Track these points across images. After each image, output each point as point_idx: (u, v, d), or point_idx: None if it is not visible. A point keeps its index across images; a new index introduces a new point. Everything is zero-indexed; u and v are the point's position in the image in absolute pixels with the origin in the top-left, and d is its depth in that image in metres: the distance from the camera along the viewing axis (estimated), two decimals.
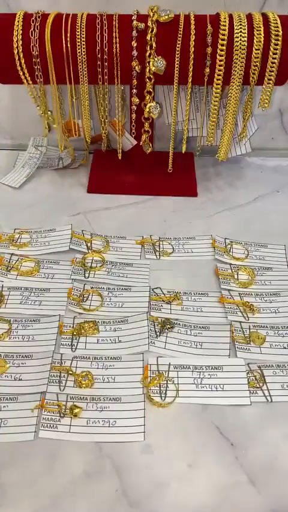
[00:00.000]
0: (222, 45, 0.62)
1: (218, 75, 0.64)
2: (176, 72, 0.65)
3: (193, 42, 0.62)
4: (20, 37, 0.63)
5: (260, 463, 0.47)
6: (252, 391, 0.52)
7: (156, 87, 0.73)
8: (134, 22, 0.63)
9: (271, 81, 0.65)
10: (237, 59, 0.63)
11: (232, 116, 0.69)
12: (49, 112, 0.72)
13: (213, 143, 0.73)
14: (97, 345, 0.56)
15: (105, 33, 0.63)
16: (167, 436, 0.48)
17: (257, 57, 0.63)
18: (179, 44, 0.63)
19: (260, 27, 0.62)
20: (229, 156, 0.78)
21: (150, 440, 0.48)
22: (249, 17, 0.64)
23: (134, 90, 0.67)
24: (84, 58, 0.64)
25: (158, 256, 0.68)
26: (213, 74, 0.65)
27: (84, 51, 0.63)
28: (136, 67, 0.64)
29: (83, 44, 0.63)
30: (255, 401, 0.51)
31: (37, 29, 0.63)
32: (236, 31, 0.62)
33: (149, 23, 0.62)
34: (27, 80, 0.66)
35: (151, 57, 0.64)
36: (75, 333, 0.57)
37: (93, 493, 0.44)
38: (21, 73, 0.65)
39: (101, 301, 0.61)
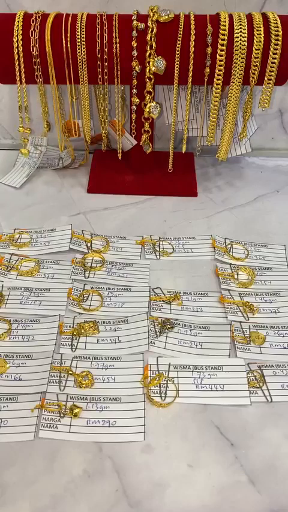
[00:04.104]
0: (222, 45, 0.62)
1: (218, 75, 0.64)
2: (176, 72, 0.65)
3: (193, 42, 0.63)
4: (20, 37, 0.63)
5: (260, 463, 0.47)
6: (252, 391, 0.52)
7: (156, 87, 0.73)
8: (134, 22, 0.63)
9: (271, 81, 0.65)
10: (237, 59, 0.63)
11: (232, 116, 0.69)
12: (28, 131, 0.72)
13: (213, 143, 0.73)
14: (97, 345, 0.56)
15: (105, 33, 0.63)
16: (167, 436, 0.48)
17: (257, 57, 0.63)
18: (179, 44, 0.63)
19: (260, 27, 0.62)
20: (229, 156, 0.78)
21: (150, 440, 0.48)
22: (249, 17, 0.64)
23: (134, 90, 0.67)
24: (84, 58, 0.64)
25: (158, 256, 0.68)
26: (213, 74, 0.65)
27: (84, 51, 0.63)
28: (136, 67, 0.64)
29: (83, 44, 0.63)
30: (255, 401, 0.51)
31: (37, 29, 0.63)
32: (236, 31, 0.62)
33: (149, 23, 0.62)
34: (21, 82, 0.66)
35: (151, 57, 0.64)
36: (75, 333, 0.57)
37: (93, 493, 0.44)
38: (17, 74, 0.65)
39: (101, 301, 0.61)
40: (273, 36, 0.62)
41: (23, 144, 0.75)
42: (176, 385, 0.52)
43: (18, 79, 0.66)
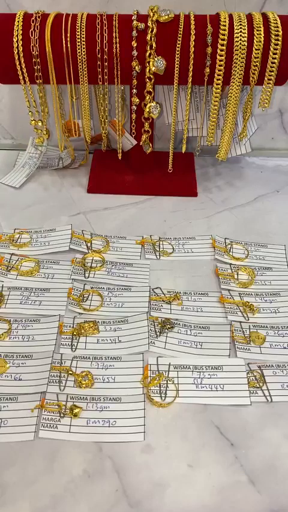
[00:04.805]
0: (222, 45, 0.62)
1: (218, 75, 0.64)
2: (176, 72, 0.65)
3: (193, 42, 0.62)
4: (20, 37, 0.63)
5: (260, 463, 0.47)
6: (252, 391, 0.52)
7: (156, 87, 0.73)
8: (134, 22, 0.63)
9: (271, 81, 0.65)
10: (237, 59, 0.63)
11: (232, 115, 0.69)
12: (39, 123, 0.72)
13: (213, 143, 0.73)
14: (97, 345, 0.56)
15: (105, 33, 0.63)
16: (167, 436, 0.48)
17: (257, 57, 0.63)
18: (179, 44, 0.63)
19: (260, 27, 0.62)
20: (229, 156, 0.78)
21: (150, 440, 0.48)
22: (249, 17, 0.64)
23: (134, 90, 0.67)
24: (84, 58, 0.64)
25: (158, 256, 0.68)
26: (213, 74, 0.65)
27: (84, 51, 0.63)
28: (136, 67, 0.64)
29: (83, 44, 0.63)
30: (255, 401, 0.51)
31: (37, 29, 0.63)
32: (236, 31, 0.62)
33: (149, 23, 0.62)
34: (25, 81, 0.66)
35: (151, 57, 0.64)
36: (75, 333, 0.57)
37: (93, 493, 0.44)
38: (20, 73, 0.65)
39: (101, 301, 0.61)
40: (273, 36, 0.62)
41: (36, 135, 0.74)
42: (176, 385, 0.52)
43: (21, 78, 0.66)
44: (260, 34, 0.62)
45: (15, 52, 0.63)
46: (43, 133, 0.73)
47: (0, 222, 0.73)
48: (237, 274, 0.65)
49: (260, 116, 0.84)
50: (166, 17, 0.63)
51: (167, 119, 0.79)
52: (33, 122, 0.71)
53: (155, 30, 0.63)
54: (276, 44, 0.62)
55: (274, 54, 0.63)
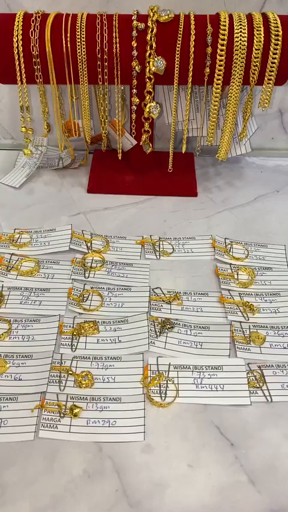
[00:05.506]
0: (222, 45, 0.62)
1: (218, 75, 0.64)
2: (176, 72, 0.65)
3: (193, 42, 0.63)
4: (20, 37, 0.63)
5: (260, 463, 0.47)
6: (252, 391, 0.52)
7: (156, 87, 0.73)
8: (134, 22, 0.63)
9: (271, 81, 0.65)
10: (237, 59, 0.63)
11: (232, 115, 0.69)
12: (29, 131, 0.72)
13: (213, 143, 0.73)
14: (97, 345, 0.56)
15: (105, 33, 0.63)
16: (167, 436, 0.48)
17: (257, 57, 0.63)
18: (179, 44, 0.63)
19: (260, 27, 0.62)
20: (229, 156, 0.78)
21: (150, 440, 0.48)
22: (249, 17, 0.64)
23: (134, 90, 0.67)
24: (84, 58, 0.64)
25: (158, 256, 0.68)
26: (213, 74, 0.65)
27: (84, 51, 0.63)
28: (136, 67, 0.64)
29: (83, 44, 0.63)
30: (255, 401, 0.51)
31: (37, 29, 0.63)
32: (236, 31, 0.62)
33: (149, 23, 0.62)
34: (22, 82, 0.66)
35: (151, 57, 0.64)
36: (75, 333, 0.57)
37: (93, 493, 0.44)
38: (18, 73, 0.65)
39: (101, 301, 0.61)
40: (273, 36, 0.62)
41: (25, 145, 0.74)
42: (176, 385, 0.52)
43: (18, 79, 0.66)
44: (260, 34, 0.62)
45: (15, 52, 0.63)
46: (32, 145, 0.73)
47: (0, 222, 0.73)
48: (237, 274, 0.65)
49: (260, 116, 0.84)
50: (166, 17, 0.63)
51: (167, 119, 0.79)
52: (23, 128, 0.71)
53: (155, 30, 0.63)
54: (276, 44, 0.62)
55: (274, 54, 0.63)
